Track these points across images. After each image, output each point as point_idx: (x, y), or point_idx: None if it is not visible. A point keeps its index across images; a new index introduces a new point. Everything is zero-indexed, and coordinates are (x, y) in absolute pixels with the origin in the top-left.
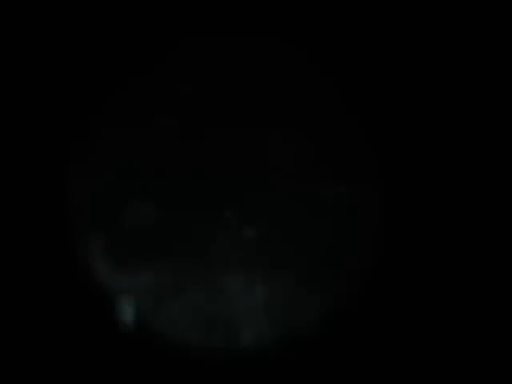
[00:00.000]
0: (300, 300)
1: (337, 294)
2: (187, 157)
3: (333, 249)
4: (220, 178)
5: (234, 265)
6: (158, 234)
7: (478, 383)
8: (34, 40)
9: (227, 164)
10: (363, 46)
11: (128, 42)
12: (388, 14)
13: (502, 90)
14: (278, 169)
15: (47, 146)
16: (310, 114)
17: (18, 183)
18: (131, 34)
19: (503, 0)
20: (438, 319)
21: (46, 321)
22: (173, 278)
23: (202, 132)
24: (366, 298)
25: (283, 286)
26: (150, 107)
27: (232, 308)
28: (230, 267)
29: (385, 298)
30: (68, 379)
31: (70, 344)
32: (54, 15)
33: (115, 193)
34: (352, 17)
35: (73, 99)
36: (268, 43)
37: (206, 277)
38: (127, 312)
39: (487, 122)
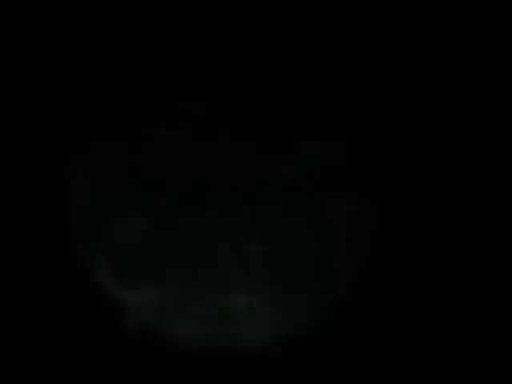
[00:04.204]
0: (300, 303)
1: (336, 299)
2: (188, 169)
3: (332, 255)
4: (221, 190)
5: (235, 271)
6: (160, 247)
7: (477, 383)
8: (34, 42)
9: (228, 176)
10: (363, 46)
11: (128, 44)
12: (388, 15)
13: (502, 91)
14: (278, 180)
15: (47, 157)
16: (312, 120)
17: (19, 191)
18: (131, 37)
19: (503, 0)
20: (437, 323)
21: (48, 327)
22: (176, 286)
23: (203, 143)
24: (365, 303)
25: (284, 289)
26: (152, 117)
27: (234, 311)
28: (231, 274)
29: (384, 304)
30: (71, 381)
31: (72, 348)
32: (54, 17)
33: (116, 207)
34: (352, 17)
35: (72, 109)
36: (268, 44)
37: (209, 283)
38: (131, 321)
39: (488, 126)
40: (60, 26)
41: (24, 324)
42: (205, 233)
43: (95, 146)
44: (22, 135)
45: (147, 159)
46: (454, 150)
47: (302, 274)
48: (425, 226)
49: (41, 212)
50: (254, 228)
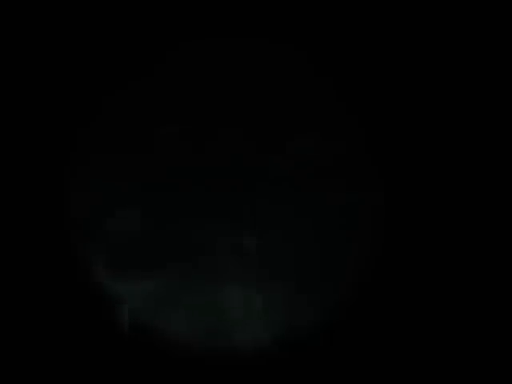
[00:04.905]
0: (298, 303)
1: (335, 300)
2: (187, 166)
3: (332, 254)
4: (221, 189)
5: (233, 269)
6: (159, 242)
7: (477, 383)
8: (34, 43)
9: (227, 173)
10: (363, 46)
11: (127, 45)
12: (387, 15)
13: (501, 91)
14: (278, 180)
15: (47, 157)
16: (310, 117)
17: (20, 191)
18: (130, 38)
19: (503, 0)
20: (437, 322)
21: (47, 326)
22: (173, 283)
23: (202, 141)
24: (365, 303)
25: (281, 289)
26: (152, 115)
27: (230, 311)
28: (229, 272)
29: (382, 305)
30: (67, 380)
31: (70, 346)
32: (54, 18)
33: (114, 202)
34: (351, 17)
35: (72, 109)
36: (268, 44)
37: (206, 281)
38: (127, 316)
39: (484, 122)
40: (60, 26)
41: (23, 323)
42: (204, 232)
43: (95, 146)
44: (22, 135)
45: (147, 159)
46: (453, 143)
47: (301, 274)
48: (425, 225)
49: (41, 212)
50: (253, 227)
